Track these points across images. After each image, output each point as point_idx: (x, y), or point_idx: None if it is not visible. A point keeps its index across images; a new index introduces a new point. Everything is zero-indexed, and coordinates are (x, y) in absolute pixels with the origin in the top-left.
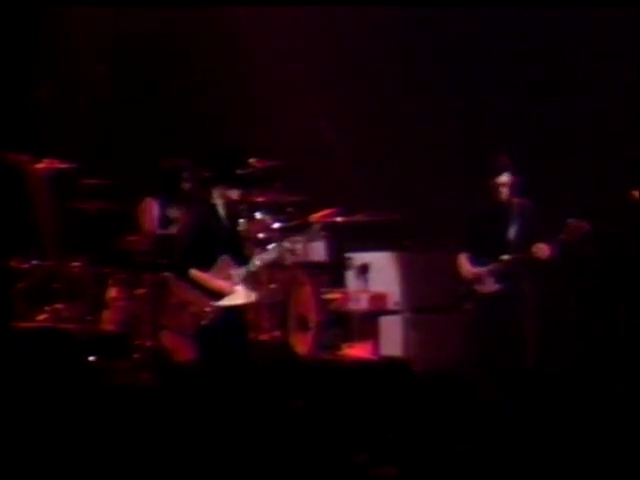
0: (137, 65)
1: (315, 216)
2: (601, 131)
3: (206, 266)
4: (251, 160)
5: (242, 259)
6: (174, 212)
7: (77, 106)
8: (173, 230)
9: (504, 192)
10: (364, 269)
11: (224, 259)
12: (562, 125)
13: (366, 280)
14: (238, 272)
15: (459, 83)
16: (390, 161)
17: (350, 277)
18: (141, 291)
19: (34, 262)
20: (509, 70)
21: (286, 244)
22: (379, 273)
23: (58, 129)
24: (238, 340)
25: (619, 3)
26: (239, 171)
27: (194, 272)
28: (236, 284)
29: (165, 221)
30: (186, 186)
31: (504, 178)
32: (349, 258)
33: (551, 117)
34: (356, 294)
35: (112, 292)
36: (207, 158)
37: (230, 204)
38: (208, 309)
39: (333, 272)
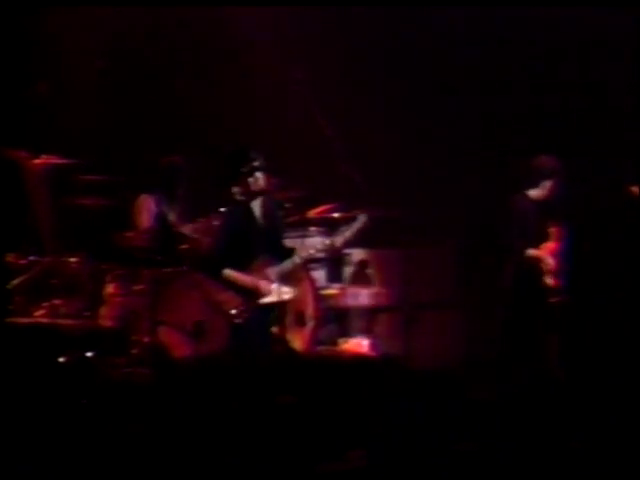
0: (136, 61)
1: (313, 212)
2: (600, 129)
3: (243, 266)
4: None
5: (282, 257)
6: (170, 209)
7: (75, 102)
8: (170, 227)
9: (549, 192)
10: (363, 265)
11: (262, 258)
12: (561, 123)
13: (364, 276)
14: (274, 270)
15: (459, 81)
16: (389, 157)
17: (348, 273)
18: (139, 287)
19: (31, 258)
20: (509, 68)
21: (327, 241)
22: (377, 269)
23: (56, 125)
24: (266, 338)
25: (619, 3)
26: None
27: (228, 272)
28: (272, 282)
29: (162, 217)
30: (179, 190)
31: (553, 180)
32: (347, 254)
33: (550, 115)
34: (354, 290)
35: (110, 288)
36: (221, 159)
37: (266, 202)
38: (242, 308)
39: (332, 268)
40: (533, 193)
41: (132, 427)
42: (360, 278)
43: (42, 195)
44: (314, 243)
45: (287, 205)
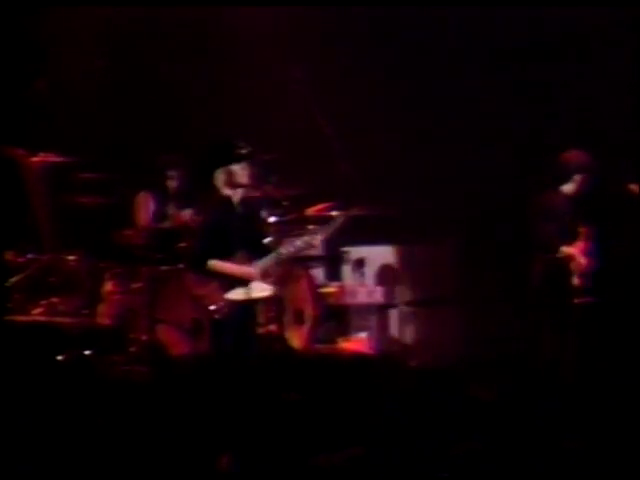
0: (135, 59)
1: (311, 210)
2: (599, 126)
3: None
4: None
5: (260, 254)
6: (169, 207)
7: (74, 100)
8: (168, 224)
9: (581, 187)
10: (360, 263)
11: (241, 254)
12: (561, 120)
13: (362, 274)
14: (254, 266)
15: (459, 78)
16: (388, 155)
17: (347, 271)
18: (137, 285)
19: (30, 256)
20: (508, 67)
21: (305, 238)
22: (375, 267)
23: (55, 123)
24: (249, 334)
25: (619, 3)
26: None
27: (214, 263)
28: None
29: (161, 215)
30: (172, 184)
31: (585, 175)
32: (346, 252)
33: (549, 112)
34: (352, 288)
35: (108, 286)
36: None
37: (246, 198)
38: (222, 303)
39: (330, 266)
40: (566, 188)
41: (131, 424)
42: (358, 276)
43: (40, 193)
44: (293, 241)
45: (285, 203)
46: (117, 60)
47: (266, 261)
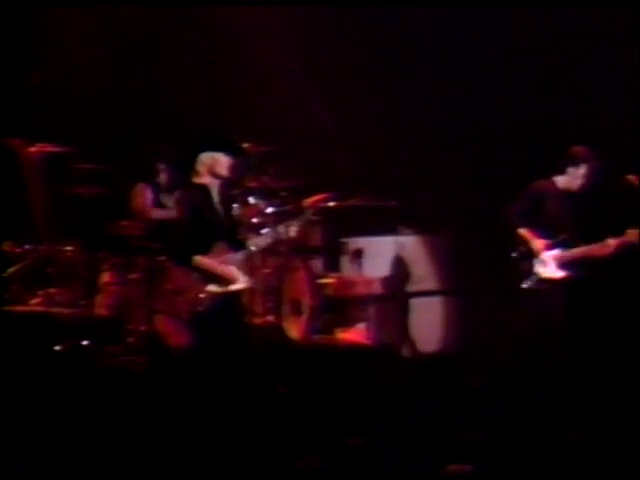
0: (133, 48)
1: (308, 201)
2: (598, 121)
3: (202, 252)
4: (245, 145)
5: (237, 244)
6: (166, 197)
7: (71, 90)
8: (166, 215)
9: (578, 182)
10: (358, 254)
11: (219, 245)
12: (560, 116)
13: (360, 265)
14: (232, 257)
15: (458, 74)
16: (386, 145)
17: (345, 262)
18: (135, 275)
19: (27, 246)
20: (507, 65)
21: (280, 229)
22: (373, 258)
23: (52, 113)
24: (233, 326)
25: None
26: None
27: (199, 259)
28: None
29: (158, 206)
30: (162, 177)
31: (582, 170)
32: (345, 243)
33: (549, 108)
34: (351, 279)
35: (105, 276)
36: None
37: (223, 188)
38: (203, 295)
39: (328, 257)
40: (559, 180)
41: (128, 416)
42: (356, 267)
43: (38, 183)
44: (268, 233)
45: (283, 194)
46: (115, 51)
47: (241, 254)
